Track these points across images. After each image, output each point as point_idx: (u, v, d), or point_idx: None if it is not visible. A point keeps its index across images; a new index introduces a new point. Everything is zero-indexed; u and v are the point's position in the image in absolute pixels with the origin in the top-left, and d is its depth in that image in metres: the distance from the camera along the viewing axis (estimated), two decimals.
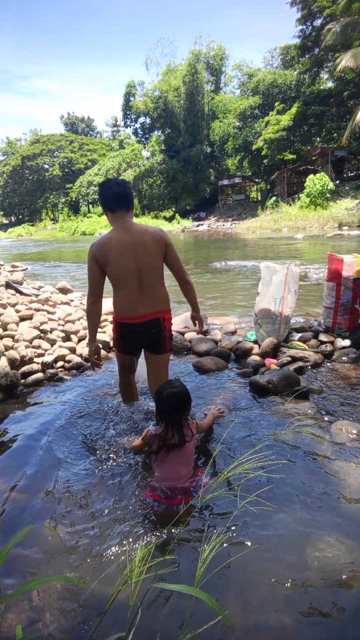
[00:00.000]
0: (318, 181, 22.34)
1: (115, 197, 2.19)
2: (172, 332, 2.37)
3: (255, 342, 3.66)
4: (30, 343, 3.61)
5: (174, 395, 1.88)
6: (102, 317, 4.41)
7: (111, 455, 2.17)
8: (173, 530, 1.62)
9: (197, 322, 2.51)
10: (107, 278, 2.24)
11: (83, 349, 3.73)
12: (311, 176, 22.85)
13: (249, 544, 1.53)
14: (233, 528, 1.60)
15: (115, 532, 1.63)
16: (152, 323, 2.24)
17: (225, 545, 1.50)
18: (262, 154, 29.31)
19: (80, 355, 3.64)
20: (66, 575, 1.44)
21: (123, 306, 2.22)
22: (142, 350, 2.41)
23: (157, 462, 1.91)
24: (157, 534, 1.61)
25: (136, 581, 0.96)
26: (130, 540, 1.58)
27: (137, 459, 2.11)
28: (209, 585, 1.26)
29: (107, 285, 2.25)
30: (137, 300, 2.19)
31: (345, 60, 18.34)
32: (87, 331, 3.94)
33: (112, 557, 1.51)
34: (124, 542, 1.57)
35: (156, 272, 2.23)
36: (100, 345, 3.70)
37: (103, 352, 3.71)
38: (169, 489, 1.82)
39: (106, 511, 1.77)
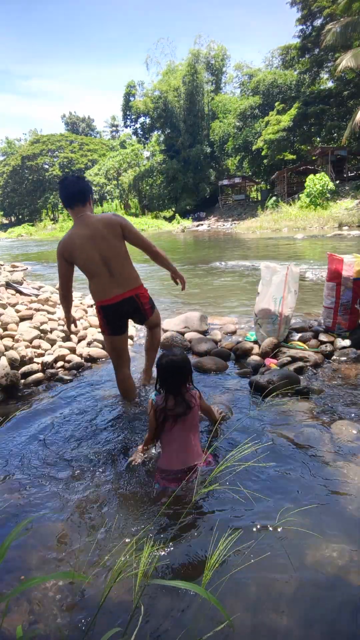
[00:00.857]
0: (318, 181, 22.32)
1: (69, 196, 2.39)
2: (153, 303, 2.68)
3: (255, 342, 3.66)
4: (30, 343, 3.61)
5: (173, 363, 1.91)
6: None
7: (111, 454, 2.17)
8: (176, 528, 1.62)
9: (178, 280, 2.70)
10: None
11: (83, 348, 3.74)
12: (311, 176, 22.84)
13: (254, 547, 1.52)
14: (239, 529, 1.60)
15: (117, 529, 1.63)
16: (127, 302, 2.47)
17: (230, 549, 1.50)
18: (262, 154, 29.29)
19: (80, 355, 3.64)
20: (66, 572, 1.44)
21: (97, 292, 2.45)
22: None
23: (165, 435, 1.92)
24: (160, 531, 1.61)
25: (140, 579, 0.96)
26: (133, 536, 1.58)
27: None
28: (210, 586, 1.26)
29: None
30: (108, 285, 2.41)
31: (346, 61, 18.33)
32: (87, 331, 4.01)
33: (114, 554, 1.51)
34: (126, 539, 1.57)
35: (119, 256, 2.41)
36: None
37: (102, 352, 3.71)
38: (180, 469, 1.84)
39: (107, 508, 1.77)
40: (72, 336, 3.89)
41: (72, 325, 2.84)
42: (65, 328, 3.97)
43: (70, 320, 2.78)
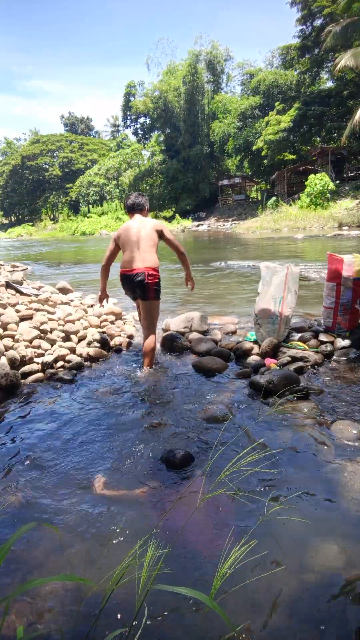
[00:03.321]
0: (319, 181, 22.34)
1: (128, 206, 3.55)
2: (159, 289, 3.35)
3: (255, 342, 3.66)
4: (30, 343, 3.60)
5: None
6: (102, 317, 4.42)
7: (113, 454, 2.17)
8: (181, 532, 1.62)
9: (189, 282, 3.67)
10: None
11: (83, 348, 3.73)
12: (312, 176, 22.86)
13: (267, 557, 1.52)
14: (245, 534, 1.59)
15: (120, 531, 1.63)
16: (140, 274, 3.23)
17: (241, 557, 1.50)
18: (262, 154, 29.29)
19: (80, 355, 3.64)
20: (69, 574, 1.44)
21: (125, 262, 3.31)
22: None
23: None
24: (165, 535, 1.61)
25: (143, 582, 0.96)
26: (137, 538, 1.58)
27: (141, 456, 2.11)
28: (219, 595, 1.26)
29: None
30: (134, 259, 3.27)
31: (345, 60, 18.27)
32: (86, 331, 4.01)
33: (117, 557, 1.51)
34: (129, 541, 1.57)
35: (150, 241, 3.28)
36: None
37: (102, 352, 3.71)
38: None
39: (109, 509, 1.77)
40: (72, 336, 3.89)
41: (104, 301, 3.73)
42: (65, 328, 3.97)
43: (104, 293, 3.69)
